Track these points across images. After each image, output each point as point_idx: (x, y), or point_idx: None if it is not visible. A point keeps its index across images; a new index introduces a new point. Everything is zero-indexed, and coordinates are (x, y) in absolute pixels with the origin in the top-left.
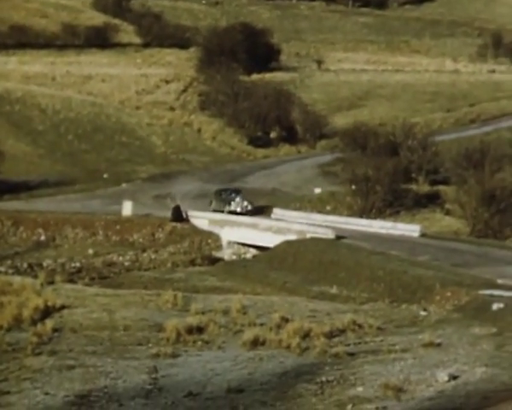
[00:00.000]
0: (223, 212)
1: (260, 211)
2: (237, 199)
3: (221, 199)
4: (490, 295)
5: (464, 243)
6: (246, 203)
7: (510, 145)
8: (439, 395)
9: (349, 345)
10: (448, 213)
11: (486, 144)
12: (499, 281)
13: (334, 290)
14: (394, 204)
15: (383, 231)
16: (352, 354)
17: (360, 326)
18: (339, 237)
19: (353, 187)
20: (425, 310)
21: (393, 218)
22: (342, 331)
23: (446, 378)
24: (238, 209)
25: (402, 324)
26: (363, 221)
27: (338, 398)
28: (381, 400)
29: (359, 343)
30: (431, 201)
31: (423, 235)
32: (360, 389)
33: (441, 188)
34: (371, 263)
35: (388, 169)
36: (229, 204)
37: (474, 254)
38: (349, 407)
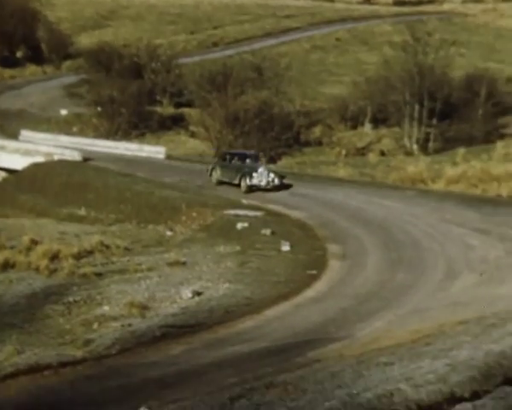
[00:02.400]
0: (235, 185)
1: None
2: (260, 169)
3: (231, 167)
4: (235, 214)
5: (208, 165)
6: (272, 175)
7: (252, 69)
8: (183, 311)
9: (96, 266)
10: (193, 135)
11: (229, 67)
12: (244, 201)
13: (82, 212)
14: (140, 126)
15: (129, 153)
16: (99, 275)
17: (108, 247)
18: (86, 159)
19: (99, 109)
20: (171, 230)
21: (139, 140)
22: (90, 252)
23: (190, 295)
24: (263, 183)
25: (149, 244)
26: (110, 143)
27: (85, 317)
28: (127, 318)
29: (106, 264)
30: (176, 123)
31: (169, 157)
32: (106, 308)
33: (185, 110)
34: (118, 185)
35: (133, 91)
36: (250, 176)
37: None
38: (95, 325)
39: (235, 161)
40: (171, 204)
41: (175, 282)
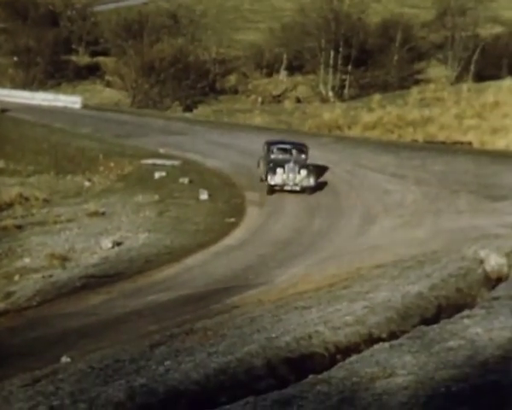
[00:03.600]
0: (270, 186)
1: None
2: (290, 164)
3: (270, 161)
4: (152, 164)
5: (125, 114)
6: (304, 172)
7: (168, 16)
8: (103, 261)
9: (16, 218)
10: (108, 84)
11: (145, 15)
12: (161, 150)
13: (0, 164)
14: (56, 76)
15: (46, 104)
16: (19, 227)
17: (27, 199)
18: (3, 110)
19: (15, 59)
20: (89, 181)
21: (55, 90)
22: (10, 205)
23: (110, 245)
24: (289, 184)
25: (67, 195)
26: (26, 94)
27: (6, 270)
28: (47, 269)
29: (26, 216)
30: (91, 72)
31: (85, 107)
32: (27, 260)
33: (101, 59)
34: (36, 136)
35: (49, 40)
36: (274, 172)
37: (136, 125)
38: (16, 277)
39: (276, 153)
40: (89, 154)
41: (94, 232)
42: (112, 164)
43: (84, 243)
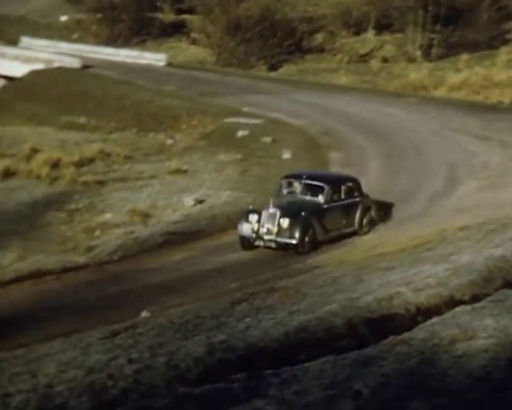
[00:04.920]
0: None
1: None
2: (269, 210)
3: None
4: (235, 122)
5: (210, 73)
6: (286, 223)
7: None
8: (184, 218)
9: (98, 174)
10: (194, 42)
11: None
12: (245, 109)
13: (82, 120)
14: (141, 33)
15: (129, 61)
16: (100, 183)
17: (108, 155)
18: (86, 67)
19: (99, 15)
20: (172, 138)
21: (140, 47)
22: (91, 160)
23: (192, 203)
24: (262, 238)
25: (149, 152)
26: (110, 50)
27: (87, 225)
28: (129, 225)
29: (108, 172)
30: (177, 30)
31: (169, 64)
32: (108, 215)
33: (187, 17)
34: (119, 93)
35: None
36: (246, 218)
37: (220, 83)
38: (97, 232)
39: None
40: (172, 112)
41: (176, 190)
42: (195, 122)
43: (165, 200)
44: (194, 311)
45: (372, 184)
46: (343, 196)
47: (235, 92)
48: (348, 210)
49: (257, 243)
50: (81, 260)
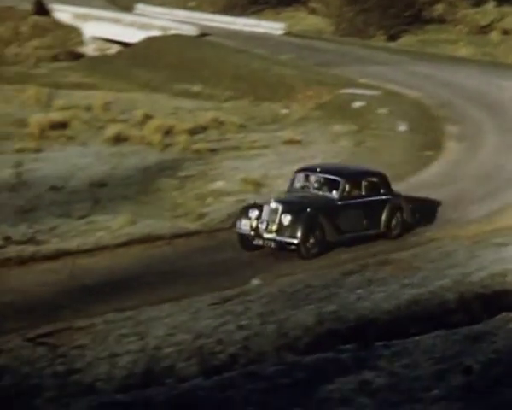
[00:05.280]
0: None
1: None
2: (271, 204)
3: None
4: (351, 93)
5: (328, 42)
6: (287, 220)
7: None
8: None
9: (211, 142)
10: (312, 11)
11: None
12: (361, 80)
13: (197, 88)
14: (258, 1)
15: (247, 29)
16: (213, 151)
17: (222, 123)
18: (202, 35)
19: None
20: (286, 108)
21: (257, 15)
22: (204, 128)
23: None
24: (261, 236)
25: (264, 121)
26: (227, 18)
27: (199, 192)
28: (240, 193)
29: (221, 140)
30: None
31: (287, 33)
32: (220, 183)
33: None
34: (235, 61)
35: None
36: (245, 214)
37: (338, 54)
38: (209, 199)
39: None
40: (288, 82)
41: (290, 160)
42: (310, 92)
43: (278, 170)
44: (305, 281)
45: (488, 158)
46: (364, 193)
47: (353, 63)
48: (371, 209)
49: (256, 241)
50: (192, 226)
